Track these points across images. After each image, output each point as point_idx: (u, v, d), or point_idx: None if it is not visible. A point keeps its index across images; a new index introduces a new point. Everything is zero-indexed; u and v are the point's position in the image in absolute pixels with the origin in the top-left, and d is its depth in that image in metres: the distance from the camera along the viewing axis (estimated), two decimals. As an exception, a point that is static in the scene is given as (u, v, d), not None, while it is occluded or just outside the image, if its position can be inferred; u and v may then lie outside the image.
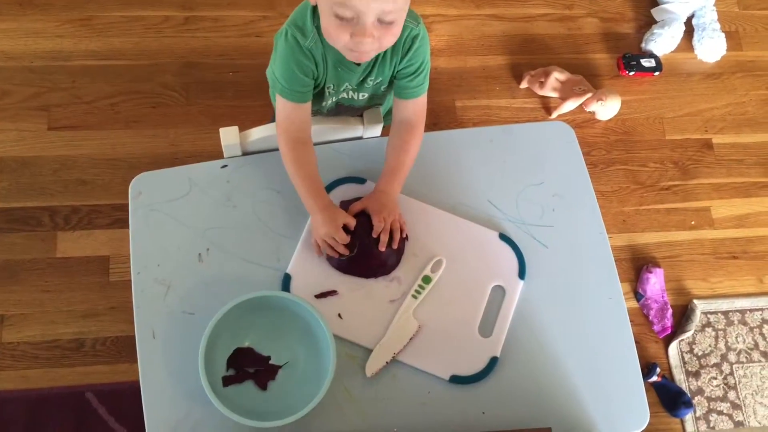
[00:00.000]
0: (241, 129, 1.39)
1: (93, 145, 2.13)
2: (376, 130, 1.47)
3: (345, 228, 1.31)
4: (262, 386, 1.25)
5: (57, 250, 2.01)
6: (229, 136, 1.38)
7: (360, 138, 1.48)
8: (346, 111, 1.49)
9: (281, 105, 1.33)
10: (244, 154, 1.42)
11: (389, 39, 1.20)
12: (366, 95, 1.42)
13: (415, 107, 1.40)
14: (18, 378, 1.88)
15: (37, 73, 2.19)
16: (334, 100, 1.43)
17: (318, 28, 1.25)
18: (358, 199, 1.36)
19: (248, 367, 1.26)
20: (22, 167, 2.08)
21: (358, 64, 1.32)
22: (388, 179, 1.37)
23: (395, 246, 1.32)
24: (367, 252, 1.31)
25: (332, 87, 1.38)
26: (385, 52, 1.31)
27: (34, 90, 2.17)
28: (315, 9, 1.25)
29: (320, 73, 1.33)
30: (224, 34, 2.32)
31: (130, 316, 1.28)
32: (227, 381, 1.24)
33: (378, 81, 1.38)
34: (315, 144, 1.39)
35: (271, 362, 1.26)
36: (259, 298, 1.23)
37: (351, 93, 1.41)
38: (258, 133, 1.39)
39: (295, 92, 1.31)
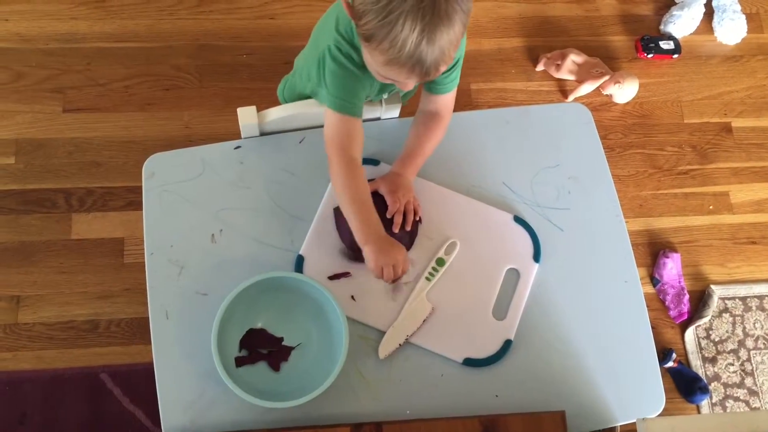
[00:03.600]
0: (257, 110, 1.38)
1: (107, 128, 2.13)
2: (395, 112, 1.45)
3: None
4: (275, 367, 1.25)
5: (72, 231, 2.01)
6: (246, 116, 1.37)
7: (378, 119, 1.46)
8: None
9: (335, 121, 1.25)
10: (262, 134, 1.42)
11: None
12: (394, 90, 1.41)
13: (445, 101, 1.37)
14: (34, 358, 1.90)
15: (51, 56, 2.19)
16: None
17: None
18: (371, 181, 1.35)
19: (261, 348, 1.26)
20: (37, 149, 2.08)
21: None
22: (406, 162, 1.35)
23: (408, 228, 1.32)
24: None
25: (373, 94, 1.36)
26: None
27: (48, 72, 2.17)
28: None
29: (372, 88, 1.30)
30: (238, 16, 2.31)
31: (144, 298, 1.28)
32: (240, 362, 1.24)
33: None
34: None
35: (284, 343, 1.26)
36: (272, 279, 1.23)
37: (384, 94, 1.40)
38: (276, 114, 1.38)
39: (351, 104, 1.24)
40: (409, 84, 1.18)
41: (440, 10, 1.03)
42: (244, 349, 1.25)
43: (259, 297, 1.25)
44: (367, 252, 1.23)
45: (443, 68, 1.12)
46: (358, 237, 1.24)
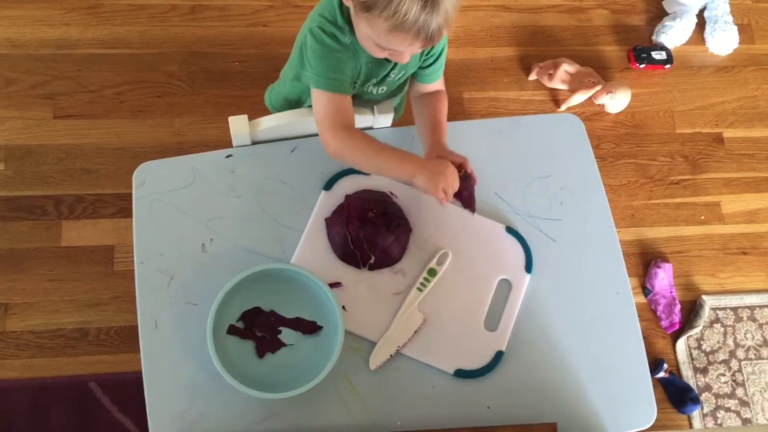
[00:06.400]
0: (248, 119, 1.37)
1: (98, 134, 2.12)
2: (387, 120, 1.45)
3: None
4: (260, 353, 1.25)
5: (62, 239, 2.00)
6: (238, 125, 1.36)
7: (370, 128, 1.46)
8: (361, 104, 1.47)
9: (324, 100, 1.25)
10: (253, 143, 1.41)
11: None
12: (384, 89, 1.41)
13: (437, 83, 1.42)
14: (22, 367, 1.88)
15: (42, 62, 2.18)
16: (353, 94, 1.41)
17: (349, 23, 1.22)
18: (363, 192, 1.35)
19: (258, 330, 1.26)
20: (27, 156, 2.07)
21: (389, 60, 1.29)
22: (437, 133, 1.35)
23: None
24: (373, 241, 1.30)
25: (359, 83, 1.35)
26: None
27: (39, 78, 2.16)
28: (341, 2, 1.22)
29: (356, 68, 1.30)
30: (231, 23, 2.31)
31: (134, 306, 1.27)
32: (232, 330, 1.25)
33: (401, 75, 1.37)
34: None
35: (279, 336, 1.26)
36: (271, 271, 1.24)
37: (371, 87, 1.40)
38: (267, 123, 1.38)
39: (339, 81, 1.24)
40: (406, 55, 1.19)
41: None
42: (242, 321, 1.26)
43: (257, 290, 1.26)
44: (422, 180, 1.21)
45: (445, 32, 1.12)
46: (404, 174, 1.23)
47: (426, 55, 1.35)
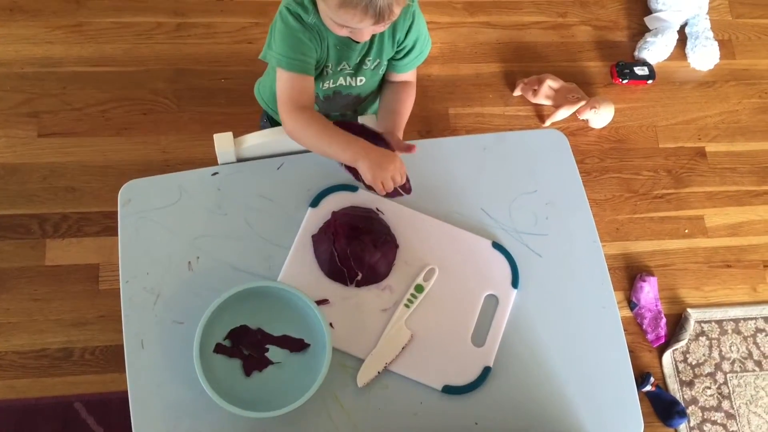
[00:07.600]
0: (234, 136, 1.38)
1: (83, 152, 2.11)
2: (374, 133, 1.46)
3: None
4: (248, 372, 1.24)
5: (46, 258, 1.99)
6: (223, 142, 1.36)
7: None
8: (342, 99, 1.49)
9: (285, 78, 1.29)
10: (239, 160, 1.41)
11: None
12: (363, 80, 1.43)
13: (411, 73, 1.44)
14: (5, 388, 1.86)
15: (27, 80, 2.17)
16: (331, 84, 1.43)
17: (314, 2, 1.25)
18: (350, 208, 1.35)
19: (245, 348, 1.25)
20: (10, 174, 2.06)
21: (358, 42, 1.32)
22: (396, 123, 1.37)
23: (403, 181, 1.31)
24: (359, 258, 1.30)
25: (331, 66, 1.37)
26: (383, 33, 1.33)
27: (24, 96, 2.15)
28: None
29: (322, 49, 1.32)
30: (216, 40, 2.31)
31: (119, 325, 1.26)
32: (219, 348, 1.23)
33: (376, 62, 1.39)
34: (308, 152, 1.38)
35: (266, 354, 1.26)
36: (258, 289, 1.24)
37: (348, 78, 1.41)
38: (252, 140, 1.38)
39: (300, 61, 1.28)
40: (365, 32, 1.22)
41: None
42: (229, 339, 1.25)
43: (246, 304, 1.25)
44: (362, 168, 1.24)
45: (397, 10, 1.16)
46: (348, 157, 1.25)
47: (399, 45, 1.37)
